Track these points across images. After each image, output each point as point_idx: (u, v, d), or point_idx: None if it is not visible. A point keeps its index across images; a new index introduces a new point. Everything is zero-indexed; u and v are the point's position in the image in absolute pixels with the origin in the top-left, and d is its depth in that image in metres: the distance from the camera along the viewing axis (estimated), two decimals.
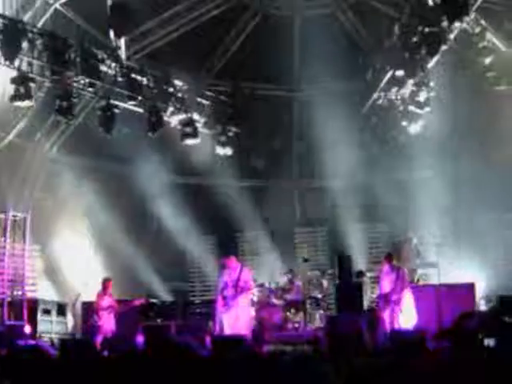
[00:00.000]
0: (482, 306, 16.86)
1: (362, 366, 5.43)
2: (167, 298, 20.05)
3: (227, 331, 15.72)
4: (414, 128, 18.33)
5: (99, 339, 15.73)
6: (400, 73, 17.15)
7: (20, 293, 18.80)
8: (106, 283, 16.65)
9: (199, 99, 19.85)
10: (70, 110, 17.01)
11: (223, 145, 20.09)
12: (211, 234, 22.69)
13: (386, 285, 15.96)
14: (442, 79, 17.36)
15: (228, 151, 20.21)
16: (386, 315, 15.61)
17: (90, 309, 17.54)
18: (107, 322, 16.38)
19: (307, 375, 3.99)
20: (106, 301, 16.50)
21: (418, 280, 17.33)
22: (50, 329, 18.52)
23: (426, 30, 15.66)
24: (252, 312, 18.01)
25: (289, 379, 3.91)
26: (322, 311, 18.77)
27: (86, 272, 19.90)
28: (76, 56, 16.40)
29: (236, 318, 16.03)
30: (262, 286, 18.97)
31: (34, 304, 18.49)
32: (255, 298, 18.50)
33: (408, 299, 15.64)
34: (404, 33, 16.55)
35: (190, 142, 19.20)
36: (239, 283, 16.15)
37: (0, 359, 9.32)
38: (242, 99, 20.37)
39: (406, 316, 15.43)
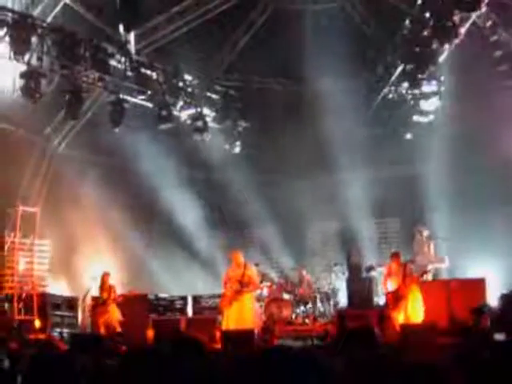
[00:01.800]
0: (493, 301, 16.78)
1: (372, 360, 5.39)
2: (176, 291, 20.03)
3: (231, 326, 15.74)
4: (425, 122, 18.26)
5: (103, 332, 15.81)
6: (411, 67, 17.09)
7: (30, 288, 18.82)
8: (103, 277, 16.78)
9: (209, 94, 19.83)
10: (80, 105, 17.02)
11: (233, 139, 20.08)
12: (220, 228, 22.69)
13: (394, 282, 15.92)
14: (453, 73, 17.29)
15: (238, 145, 20.21)
16: (395, 312, 15.56)
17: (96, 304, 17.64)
18: (110, 314, 16.47)
19: (316, 370, 3.94)
20: (105, 295, 16.62)
21: (423, 274, 17.19)
22: (60, 323, 18.54)
23: (438, 23, 15.60)
24: (259, 307, 18.05)
25: (297, 373, 3.86)
26: (332, 306, 18.76)
27: (95, 267, 19.90)
28: (85, 51, 16.39)
29: (239, 313, 16.06)
30: (271, 280, 18.99)
31: (44, 299, 18.52)
32: (265, 293, 18.53)
33: (416, 294, 15.59)
34: (415, 26, 16.49)
35: (199, 136, 19.20)
36: (244, 279, 16.18)
37: (11, 353, 9.33)
38: (252, 93, 20.35)
39: (415, 311, 15.39)
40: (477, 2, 14.64)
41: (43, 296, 18.63)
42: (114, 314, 16.57)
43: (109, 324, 16.34)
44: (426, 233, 19.30)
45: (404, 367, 4.82)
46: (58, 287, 19.62)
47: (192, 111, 19.20)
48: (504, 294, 15.90)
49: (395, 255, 16.34)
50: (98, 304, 16.76)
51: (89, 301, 18.92)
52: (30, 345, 13.48)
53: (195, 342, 4.49)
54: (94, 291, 18.97)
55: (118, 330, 16.16)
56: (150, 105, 18.44)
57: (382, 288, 16.36)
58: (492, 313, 15.20)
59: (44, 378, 5.78)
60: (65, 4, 17.50)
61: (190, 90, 19.12)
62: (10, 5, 15.81)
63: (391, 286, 15.91)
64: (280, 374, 3.75)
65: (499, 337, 13.34)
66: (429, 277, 18.75)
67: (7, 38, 15.06)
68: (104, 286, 16.75)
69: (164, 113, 18.32)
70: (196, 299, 19.39)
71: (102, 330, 16.08)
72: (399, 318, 15.25)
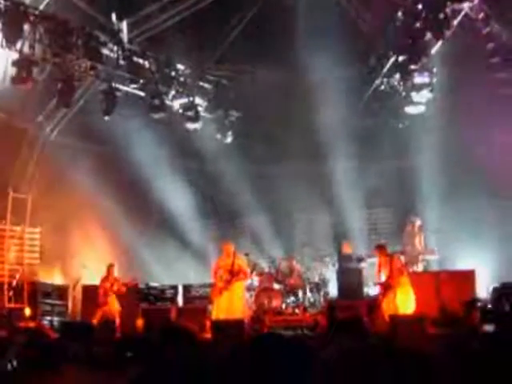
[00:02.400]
0: (483, 293, 16.86)
1: (361, 349, 5.43)
2: (167, 281, 20.05)
3: (221, 315, 15.83)
4: (416, 113, 18.29)
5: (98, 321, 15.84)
6: (403, 58, 17.10)
7: (20, 275, 18.81)
8: (109, 269, 16.85)
9: (201, 83, 19.82)
10: (72, 93, 17.00)
11: (225, 129, 20.09)
12: (212, 218, 22.72)
13: (384, 274, 16.00)
14: (446, 65, 17.31)
15: (229, 135, 20.23)
16: (384, 302, 15.64)
17: (89, 292, 17.71)
18: (110, 305, 16.57)
19: (307, 356, 3.98)
20: (107, 284, 16.71)
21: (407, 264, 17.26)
22: (51, 312, 18.56)
23: (430, 15, 15.61)
24: (249, 297, 18.13)
25: (287, 363, 3.89)
26: (321, 296, 18.82)
27: (86, 255, 19.92)
28: (78, 39, 16.36)
29: (229, 302, 16.15)
30: (262, 270, 19.05)
31: (34, 287, 18.54)
32: (255, 283, 18.59)
33: (406, 285, 15.65)
34: (407, 18, 16.50)
35: (191, 125, 19.21)
36: (233, 268, 16.29)
37: (0, 340, 9.33)
38: (244, 83, 20.35)
39: (404, 302, 15.45)
40: None
41: (33, 284, 18.65)
42: (114, 305, 16.67)
43: (108, 315, 16.39)
44: (417, 224, 19.37)
45: (393, 356, 4.85)
46: (49, 275, 19.62)
47: (184, 100, 19.20)
48: (495, 288, 15.98)
49: (379, 248, 16.40)
50: (99, 294, 16.80)
51: (79, 289, 18.95)
52: (20, 332, 13.49)
53: (184, 330, 4.52)
54: (85, 279, 19.05)
55: (117, 320, 16.21)
56: (142, 93, 18.42)
57: (375, 278, 16.40)
58: (482, 305, 15.30)
59: (35, 365, 5.81)
60: None
61: (182, 79, 19.12)
62: None
63: (383, 276, 16.00)
64: (271, 360, 3.78)
65: (489, 328, 13.47)
66: (419, 268, 18.85)
67: None
68: (109, 277, 16.85)
69: (156, 102, 18.31)
70: (186, 288, 19.41)
71: (96, 320, 16.11)
72: (387, 308, 15.33)
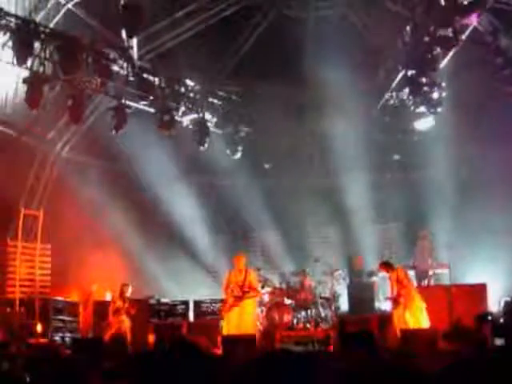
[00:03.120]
0: (495, 307, 16.82)
1: (373, 365, 5.43)
2: (178, 296, 20.06)
3: (232, 331, 15.84)
4: (426, 128, 18.30)
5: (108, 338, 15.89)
6: (412, 73, 17.13)
7: (32, 292, 18.87)
8: (122, 288, 16.94)
9: (211, 99, 19.89)
10: (82, 110, 17.09)
11: (235, 144, 20.15)
12: (224, 233, 22.75)
13: (394, 289, 16.00)
14: (455, 79, 17.33)
15: (239, 150, 20.28)
16: (395, 316, 15.62)
17: (101, 309, 17.79)
18: (120, 322, 16.63)
19: (319, 372, 3.99)
20: (120, 303, 16.81)
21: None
22: (62, 328, 18.58)
23: (439, 29, 15.64)
24: (260, 312, 18.12)
25: (297, 379, 3.90)
26: (332, 311, 18.78)
27: (97, 271, 19.95)
28: (88, 56, 16.43)
29: (240, 318, 16.17)
30: (273, 285, 19.03)
31: (45, 303, 18.57)
32: (266, 298, 18.57)
33: (414, 299, 15.63)
34: (416, 32, 16.53)
35: (201, 141, 19.27)
36: (244, 284, 16.33)
37: (11, 356, 9.38)
38: (253, 99, 20.41)
39: (415, 316, 15.43)
40: (477, 8, 14.69)
41: (45, 300, 18.69)
42: (125, 322, 16.75)
43: (119, 331, 16.45)
44: (428, 237, 19.35)
45: (400, 373, 4.85)
46: (60, 292, 19.65)
47: (194, 116, 19.27)
48: (507, 302, 15.94)
49: (381, 266, 16.46)
50: (112, 312, 16.89)
51: (91, 305, 18.98)
52: (31, 349, 13.53)
53: (194, 345, 4.53)
54: (97, 295, 19.09)
55: (128, 336, 16.24)
56: (152, 110, 18.50)
57: (389, 293, 16.41)
58: (494, 319, 15.25)
59: (46, 380, 5.83)
60: (67, 9, 17.56)
61: (191, 95, 19.20)
62: (13, 10, 15.88)
63: (395, 291, 16.01)
64: (282, 376, 3.79)
65: (499, 342, 13.44)
66: (431, 282, 18.81)
67: (10, 43, 15.12)
68: (122, 295, 16.96)
69: (166, 118, 18.37)
70: (197, 304, 19.40)
71: (107, 336, 16.14)
72: (398, 322, 15.33)
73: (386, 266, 16.29)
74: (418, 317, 15.42)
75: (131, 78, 17.73)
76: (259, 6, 20.40)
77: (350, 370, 4.98)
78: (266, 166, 21.99)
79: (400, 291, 15.61)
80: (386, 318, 15.97)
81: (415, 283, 17.41)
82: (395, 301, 15.67)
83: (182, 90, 18.94)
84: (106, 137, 18.73)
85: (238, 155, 20.57)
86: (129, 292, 17.14)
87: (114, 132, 17.70)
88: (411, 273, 18.09)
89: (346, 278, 19.86)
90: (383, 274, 17.57)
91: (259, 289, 17.41)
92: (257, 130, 20.56)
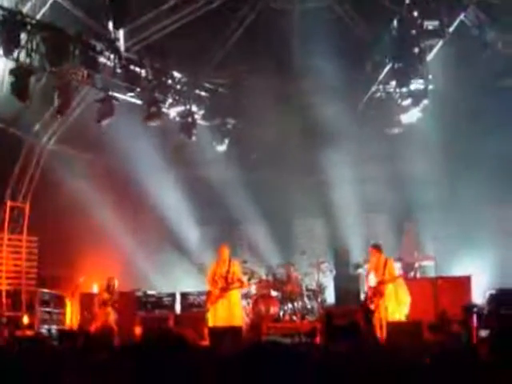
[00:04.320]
0: (479, 298, 16.92)
1: (356, 355, 5.48)
2: (165, 289, 20.07)
3: (219, 323, 15.89)
4: (413, 120, 18.35)
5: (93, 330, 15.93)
6: (399, 66, 17.17)
7: (18, 284, 18.85)
8: (109, 281, 17.01)
9: (198, 91, 19.88)
10: (69, 102, 17.04)
11: (221, 137, 20.16)
12: (210, 225, 22.77)
13: (373, 277, 16.02)
14: (441, 72, 17.38)
15: (226, 143, 20.29)
16: (375, 307, 15.67)
17: (87, 301, 17.81)
18: (106, 315, 16.66)
19: (303, 367, 4.02)
20: (106, 296, 16.86)
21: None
22: (49, 320, 18.58)
23: (425, 22, 15.69)
24: (246, 304, 18.18)
25: (284, 371, 3.93)
26: (319, 303, 18.85)
27: (84, 263, 19.94)
28: (75, 48, 16.38)
29: (227, 310, 16.23)
30: (259, 278, 19.08)
31: (32, 295, 18.57)
32: (253, 290, 18.63)
33: (398, 293, 15.70)
34: (403, 26, 16.57)
35: (188, 133, 19.26)
36: (228, 276, 16.39)
37: None
38: (240, 91, 20.42)
39: (396, 310, 15.51)
40: (464, 2, 14.77)
41: (32, 292, 18.68)
42: (111, 315, 16.77)
43: (105, 323, 16.47)
44: (415, 230, 19.44)
45: (386, 364, 4.90)
46: (47, 284, 19.63)
47: (181, 108, 19.26)
48: (491, 294, 16.04)
49: (375, 247, 16.41)
50: (98, 304, 16.94)
51: (77, 297, 18.98)
52: (18, 341, 13.52)
53: (181, 337, 4.56)
54: (84, 288, 19.09)
55: (115, 328, 16.25)
56: (139, 102, 18.47)
57: (364, 282, 16.44)
58: (479, 310, 15.36)
59: (34, 373, 5.84)
60: (54, 1, 17.49)
61: (178, 87, 19.19)
62: None
63: (372, 280, 16.04)
64: (268, 368, 3.82)
65: (484, 333, 13.57)
66: (417, 274, 18.90)
67: None
68: (108, 288, 17.02)
69: (153, 110, 18.36)
70: (184, 296, 19.42)
71: (94, 328, 16.18)
72: (380, 314, 15.40)
73: (379, 248, 16.32)
74: (399, 310, 15.51)
75: (118, 70, 17.70)
76: None
77: (336, 362, 5.02)
78: (253, 156, 21.98)
79: (383, 282, 15.67)
80: (371, 310, 16.02)
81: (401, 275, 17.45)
82: (376, 291, 15.68)
83: (169, 81, 18.93)
84: (92, 129, 18.69)
85: (224, 147, 20.58)
86: (115, 285, 17.16)
87: (99, 123, 17.66)
88: (397, 265, 18.16)
89: (332, 270, 19.92)
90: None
91: (244, 280, 17.46)
92: (244, 122, 20.57)
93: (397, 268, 17.36)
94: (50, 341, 14.55)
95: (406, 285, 16.19)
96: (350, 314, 16.36)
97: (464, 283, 16.86)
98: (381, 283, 15.63)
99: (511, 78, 18.66)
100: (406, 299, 15.71)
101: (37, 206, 19.58)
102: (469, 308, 15.09)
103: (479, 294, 16.89)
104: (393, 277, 15.81)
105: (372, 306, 15.64)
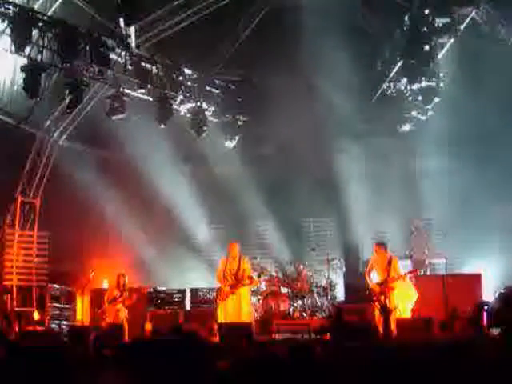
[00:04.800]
0: (489, 296, 16.89)
1: (366, 352, 5.47)
2: (175, 285, 20.09)
3: (228, 319, 15.92)
4: (423, 118, 18.34)
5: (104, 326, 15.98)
6: (410, 63, 17.15)
7: (29, 279, 18.90)
8: (119, 278, 17.01)
9: (208, 88, 19.89)
10: (80, 99, 17.09)
11: (232, 133, 20.16)
12: (220, 221, 22.78)
13: (379, 275, 16.01)
14: (452, 69, 17.36)
15: (236, 140, 20.29)
16: (378, 305, 15.68)
17: (98, 298, 17.86)
18: (116, 311, 16.71)
19: (312, 363, 4.04)
20: (116, 293, 16.91)
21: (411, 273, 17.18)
22: (59, 315, 18.64)
23: (437, 20, 15.67)
24: (257, 301, 18.20)
25: (294, 367, 3.95)
26: (329, 300, 18.85)
27: (94, 259, 19.99)
28: (86, 44, 16.42)
29: (237, 306, 16.25)
30: (269, 274, 19.09)
31: (43, 291, 18.63)
32: (263, 287, 18.64)
33: (404, 286, 15.70)
34: (414, 23, 16.55)
35: (199, 130, 19.28)
36: (238, 273, 16.41)
37: (9, 344, 9.41)
38: (251, 88, 20.41)
39: (402, 303, 15.51)
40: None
41: (42, 288, 18.74)
42: (121, 311, 16.80)
43: (116, 319, 16.52)
44: (424, 227, 19.41)
45: (397, 361, 4.90)
46: (57, 279, 19.68)
47: (192, 105, 19.28)
48: (502, 293, 16.01)
49: (380, 245, 16.36)
50: (108, 301, 16.98)
51: (88, 293, 19.03)
52: (29, 336, 13.58)
53: (192, 333, 4.58)
54: (94, 284, 19.14)
55: (125, 324, 16.29)
56: (149, 98, 18.50)
57: (366, 279, 16.39)
58: (490, 308, 15.35)
59: (44, 368, 5.87)
60: None
61: (189, 83, 19.20)
62: None
63: (375, 277, 16.04)
64: (276, 367, 3.83)
65: (495, 331, 13.54)
66: (427, 271, 18.87)
67: (8, 31, 15.12)
68: (118, 286, 17.06)
69: (164, 106, 18.38)
70: (194, 292, 19.44)
71: (104, 323, 16.25)
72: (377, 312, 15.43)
73: (384, 245, 16.30)
74: (404, 308, 15.54)
75: (129, 67, 17.75)
76: None
77: (347, 360, 5.03)
78: (264, 152, 21.99)
79: (388, 280, 15.67)
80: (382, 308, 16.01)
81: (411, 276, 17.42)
82: (381, 289, 15.67)
83: (180, 78, 18.94)
84: (103, 125, 18.76)
85: (236, 144, 20.58)
86: (125, 282, 17.19)
87: (111, 120, 17.73)
88: (408, 262, 18.16)
89: (342, 267, 19.92)
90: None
91: (255, 277, 17.49)
92: (254, 118, 20.55)
93: (407, 266, 17.36)
94: (61, 336, 14.63)
95: (416, 282, 16.19)
96: (361, 311, 16.37)
97: (474, 281, 16.84)
98: (387, 281, 15.62)
99: None
100: (410, 295, 15.70)
101: (48, 201, 19.63)
102: (480, 306, 15.07)
103: (490, 292, 16.87)
104: (398, 275, 15.79)
105: (376, 303, 15.66)
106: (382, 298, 15.53)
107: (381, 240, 17.01)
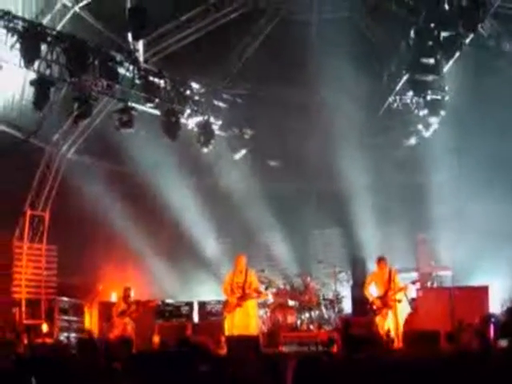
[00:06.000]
0: (496, 309, 16.90)
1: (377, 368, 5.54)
2: (183, 298, 20.16)
3: (236, 332, 15.97)
4: (429, 131, 18.39)
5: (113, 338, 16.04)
6: (415, 76, 17.20)
7: (38, 292, 19.00)
8: (126, 291, 17.11)
9: (216, 102, 19.98)
10: (88, 113, 17.20)
11: (239, 147, 20.24)
12: (228, 235, 22.84)
13: (379, 288, 16.15)
14: (458, 83, 17.42)
15: (243, 153, 20.36)
16: (380, 317, 15.78)
17: (106, 310, 17.93)
18: (124, 324, 16.78)
19: (319, 376, 4.11)
20: (124, 306, 16.98)
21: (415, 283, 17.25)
22: (68, 328, 18.71)
23: (442, 34, 15.72)
24: (264, 313, 18.25)
25: (302, 379, 4.03)
26: (336, 313, 18.88)
27: (103, 272, 20.08)
28: (94, 59, 16.52)
29: (244, 319, 16.31)
30: (277, 287, 19.14)
31: (51, 303, 18.71)
32: (270, 299, 18.68)
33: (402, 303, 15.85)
34: (420, 37, 16.61)
35: (206, 144, 19.36)
36: (245, 286, 16.49)
37: (18, 356, 9.49)
38: (258, 102, 20.50)
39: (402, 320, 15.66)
40: (481, 13, 14.77)
41: (51, 301, 18.83)
42: (129, 324, 16.87)
43: (124, 332, 16.59)
44: (430, 240, 19.44)
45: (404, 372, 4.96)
46: (66, 292, 19.76)
47: (199, 119, 19.36)
48: (510, 308, 16.03)
49: (382, 260, 16.51)
50: (116, 314, 17.06)
51: (96, 305, 19.10)
52: (38, 349, 13.65)
53: (200, 346, 4.66)
54: (103, 297, 19.22)
55: (133, 337, 16.36)
56: (157, 112, 18.60)
57: (366, 291, 16.53)
58: (498, 321, 15.35)
59: (52, 380, 5.95)
60: (74, 13, 17.70)
61: (197, 98, 19.29)
62: (20, 13, 16.01)
63: (375, 291, 16.16)
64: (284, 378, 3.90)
65: (503, 343, 13.55)
66: (434, 284, 18.90)
67: (17, 46, 15.24)
68: (126, 299, 17.14)
69: (171, 120, 18.47)
70: (202, 305, 19.51)
71: (113, 336, 16.31)
72: (384, 324, 15.50)
73: (385, 260, 16.46)
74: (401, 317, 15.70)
75: (137, 81, 17.84)
76: (264, 10, 20.50)
77: (354, 372, 5.09)
78: (271, 164, 22.08)
79: (388, 292, 15.80)
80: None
81: (418, 285, 17.48)
82: (383, 303, 15.82)
83: (188, 92, 19.03)
84: (111, 138, 18.86)
85: (243, 158, 20.63)
86: (131, 295, 17.28)
87: (119, 134, 17.84)
88: (414, 275, 18.22)
89: (349, 280, 19.98)
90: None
91: (262, 290, 17.56)
92: (261, 132, 20.63)
93: (411, 278, 17.48)
94: (69, 349, 14.70)
95: (422, 293, 16.31)
96: (368, 324, 16.41)
97: (481, 293, 16.82)
98: (389, 294, 15.77)
99: None
100: (403, 310, 15.90)
101: (56, 214, 19.74)
102: (487, 318, 15.08)
103: (497, 304, 16.88)
104: (399, 287, 15.96)
105: (376, 317, 15.82)
106: (384, 310, 15.69)
107: (381, 255, 17.11)
